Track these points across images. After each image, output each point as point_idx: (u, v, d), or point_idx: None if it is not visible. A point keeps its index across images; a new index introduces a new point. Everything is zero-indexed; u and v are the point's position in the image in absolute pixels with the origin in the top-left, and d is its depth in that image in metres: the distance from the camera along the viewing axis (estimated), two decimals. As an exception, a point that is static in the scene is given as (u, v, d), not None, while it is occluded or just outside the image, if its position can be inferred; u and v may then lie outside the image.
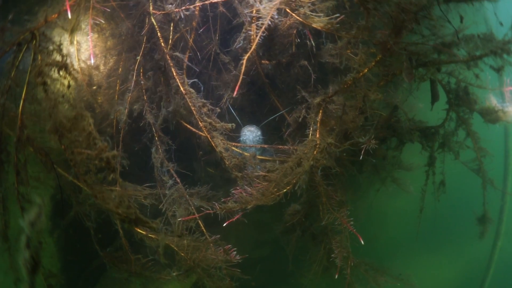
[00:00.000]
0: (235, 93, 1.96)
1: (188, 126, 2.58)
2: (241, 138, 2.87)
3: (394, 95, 3.31)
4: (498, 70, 2.58)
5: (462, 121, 3.27)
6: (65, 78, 1.41)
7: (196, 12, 2.37)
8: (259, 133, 2.91)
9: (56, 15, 1.87)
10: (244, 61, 1.93)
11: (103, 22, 2.49)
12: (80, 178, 1.32)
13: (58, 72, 1.41)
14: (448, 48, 2.32)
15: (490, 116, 3.26)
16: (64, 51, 1.68)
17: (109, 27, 2.59)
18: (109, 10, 2.41)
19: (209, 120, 1.95)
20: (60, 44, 1.55)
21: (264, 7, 1.89)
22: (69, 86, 1.41)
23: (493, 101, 3.31)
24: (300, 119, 2.30)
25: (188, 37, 2.40)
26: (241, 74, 1.90)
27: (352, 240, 2.98)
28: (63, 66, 1.41)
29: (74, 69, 1.47)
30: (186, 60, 2.22)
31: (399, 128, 2.92)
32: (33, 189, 1.86)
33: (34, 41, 1.65)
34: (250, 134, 2.86)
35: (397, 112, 3.15)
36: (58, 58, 1.45)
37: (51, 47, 1.54)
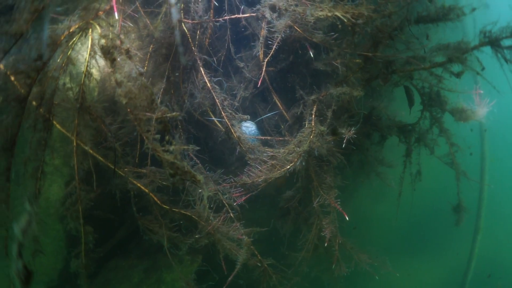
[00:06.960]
0: (263, 71, 2.48)
1: (205, 121, 3.09)
2: None
3: (375, 100, 3.86)
4: (458, 75, 3.09)
5: (435, 120, 3.80)
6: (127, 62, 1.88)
7: (211, 24, 2.91)
8: (253, 127, 3.23)
9: (104, 11, 2.30)
10: (267, 59, 2.48)
11: (131, 25, 2.94)
12: (142, 135, 1.78)
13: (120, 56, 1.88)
14: (417, 59, 2.89)
15: (460, 115, 3.71)
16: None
17: (136, 31, 3.05)
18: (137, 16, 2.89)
19: (229, 111, 2.48)
20: (119, 34, 2.03)
21: (280, 23, 2.46)
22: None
23: (464, 104, 3.79)
24: (298, 113, 2.84)
25: (207, 43, 2.93)
26: (267, 56, 2.40)
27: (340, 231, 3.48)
28: (127, 52, 1.89)
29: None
30: (212, 61, 2.75)
31: (379, 124, 3.48)
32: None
33: (90, 29, 2.13)
34: (246, 129, 3.13)
35: (375, 111, 3.68)
36: (122, 45, 1.91)
37: (111, 35, 2.00)
